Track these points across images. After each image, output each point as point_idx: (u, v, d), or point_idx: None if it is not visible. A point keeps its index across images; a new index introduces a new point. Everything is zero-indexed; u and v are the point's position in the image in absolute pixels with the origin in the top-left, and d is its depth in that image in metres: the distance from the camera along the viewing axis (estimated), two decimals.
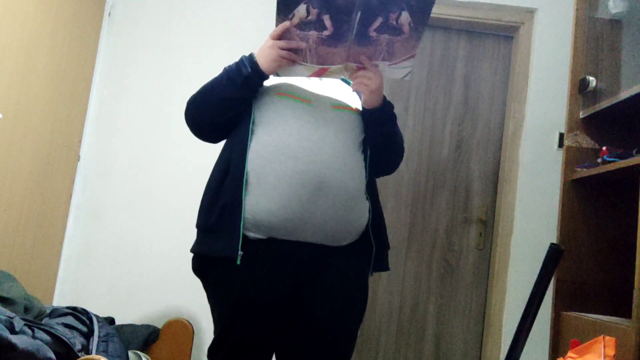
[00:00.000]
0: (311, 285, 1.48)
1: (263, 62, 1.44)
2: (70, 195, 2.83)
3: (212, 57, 2.93)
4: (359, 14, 1.33)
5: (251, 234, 1.42)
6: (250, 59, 1.46)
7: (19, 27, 2.26)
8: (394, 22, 1.36)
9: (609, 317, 1.94)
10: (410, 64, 1.47)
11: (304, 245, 1.43)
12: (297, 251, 1.43)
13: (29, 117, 2.38)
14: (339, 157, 1.44)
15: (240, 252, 1.38)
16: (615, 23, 2.20)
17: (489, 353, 2.88)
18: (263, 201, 1.39)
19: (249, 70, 1.44)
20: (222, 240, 1.41)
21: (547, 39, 2.93)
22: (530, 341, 1.66)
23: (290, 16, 1.37)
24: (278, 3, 1.35)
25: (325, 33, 1.38)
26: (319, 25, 1.36)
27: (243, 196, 1.40)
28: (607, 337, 1.68)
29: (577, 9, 2.31)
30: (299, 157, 1.40)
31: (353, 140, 1.50)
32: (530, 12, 2.99)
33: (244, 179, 1.41)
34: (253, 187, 1.41)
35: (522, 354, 1.63)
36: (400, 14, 1.35)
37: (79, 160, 2.86)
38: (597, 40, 2.24)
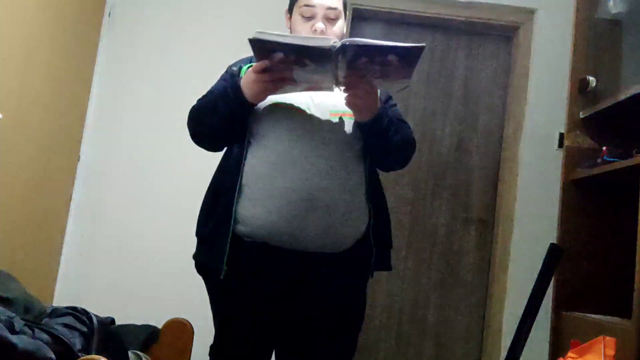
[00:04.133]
0: (306, 289, 1.47)
1: (250, 96, 1.40)
2: (70, 195, 2.83)
3: (212, 57, 2.92)
4: (339, 56, 1.26)
5: (246, 239, 1.44)
6: (235, 88, 1.41)
7: (19, 27, 2.26)
8: (382, 59, 1.28)
9: (609, 317, 1.93)
10: (406, 81, 1.39)
11: (297, 252, 1.43)
12: (290, 256, 1.43)
13: (29, 117, 2.38)
14: (332, 170, 1.42)
15: (225, 268, 1.40)
16: (615, 23, 2.20)
17: (489, 353, 2.87)
18: (253, 214, 1.41)
19: (234, 102, 1.41)
20: (213, 251, 1.43)
21: (547, 39, 2.93)
22: (530, 341, 1.66)
23: (270, 57, 1.30)
24: (253, 53, 1.31)
25: (309, 68, 1.31)
26: (301, 63, 1.30)
27: (234, 208, 1.41)
28: (607, 337, 1.68)
29: (577, 9, 2.31)
30: (288, 174, 1.39)
31: (350, 147, 1.47)
32: (530, 12, 2.98)
33: (236, 193, 1.42)
34: (246, 201, 1.42)
35: (522, 354, 1.63)
36: (386, 56, 1.26)
37: (79, 160, 2.86)
38: (597, 40, 2.24)
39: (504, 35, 3.12)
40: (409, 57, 1.27)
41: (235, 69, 1.54)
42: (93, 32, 2.87)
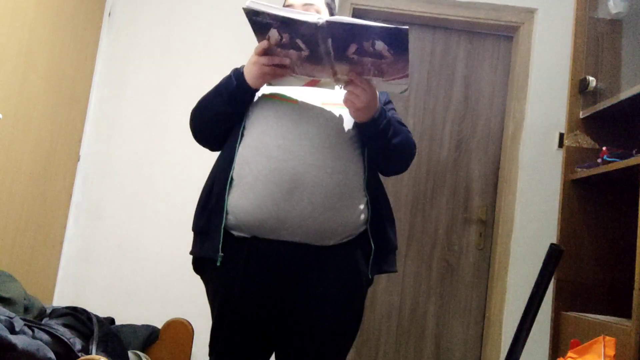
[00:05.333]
0: (300, 286, 1.47)
1: (249, 78, 1.45)
2: (70, 195, 2.83)
3: (211, 56, 2.93)
4: (329, 40, 1.29)
5: (236, 233, 1.44)
6: (238, 74, 1.47)
7: (19, 27, 2.26)
8: (371, 49, 1.29)
9: (609, 317, 1.94)
10: (405, 82, 1.40)
11: (287, 244, 1.42)
12: (280, 250, 1.43)
13: (29, 117, 2.38)
14: (318, 153, 1.41)
15: (220, 254, 1.41)
16: (615, 23, 2.20)
17: (489, 353, 2.88)
18: (241, 202, 1.41)
19: (235, 86, 1.46)
20: (208, 241, 1.44)
21: (547, 39, 2.93)
22: (530, 341, 1.66)
23: (267, 37, 1.36)
24: (251, 26, 1.36)
25: (304, 53, 1.36)
26: (295, 46, 1.35)
27: (226, 198, 1.42)
28: (607, 337, 1.68)
29: (577, 9, 2.31)
30: (273, 156, 1.41)
31: (341, 136, 1.46)
32: (530, 12, 2.98)
33: (228, 182, 1.43)
34: (235, 189, 1.43)
35: (522, 354, 1.63)
36: (374, 43, 1.28)
37: (79, 160, 2.86)
38: (597, 40, 2.24)
39: (504, 35, 3.12)
40: (396, 44, 1.27)
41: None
42: (93, 32, 2.87)
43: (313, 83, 1.49)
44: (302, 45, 1.33)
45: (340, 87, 1.45)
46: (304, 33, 1.30)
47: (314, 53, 1.35)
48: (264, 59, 1.41)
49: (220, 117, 1.51)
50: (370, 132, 1.46)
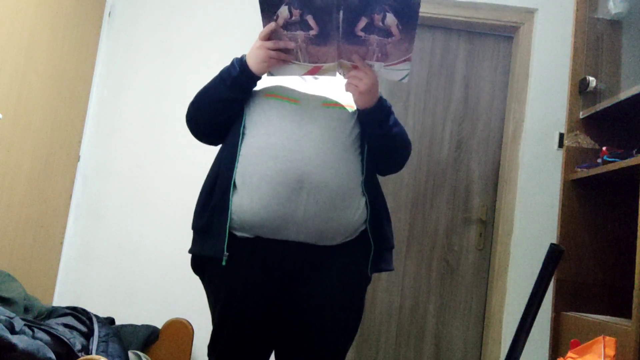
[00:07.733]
0: (302, 285, 1.47)
1: (252, 63, 1.44)
2: (70, 195, 2.83)
3: (211, 57, 2.93)
4: (341, 13, 1.31)
5: (239, 233, 1.44)
6: (240, 60, 1.47)
7: (19, 27, 2.26)
8: (380, 24, 1.32)
9: (609, 317, 1.94)
10: (407, 67, 1.43)
11: (290, 244, 1.43)
12: (283, 250, 1.43)
13: (29, 117, 2.38)
14: (323, 154, 1.42)
15: (226, 254, 1.41)
16: (615, 23, 2.20)
17: (489, 353, 2.88)
18: (246, 202, 1.41)
19: (238, 71, 1.46)
20: (211, 240, 1.44)
21: (547, 39, 2.93)
22: (530, 341, 1.66)
23: (275, 17, 1.36)
24: (260, 5, 1.35)
25: (312, 33, 1.37)
26: (304, 25, 1.36)
27: (230, 198, 1.42)
28: (607, 337, 1.68)
29: (577, 9, 2.31)
30: (279, 157, 1.41)
31: (343, 137, 1.47)
32: (530, 12, 2.99)
33: (232, 181, 1.43)
34: (239, 189, 1.43)
35: (522, 354, 1.63)
36: (385, 16, 1.31)
37: (79, 160, 2.86)
38: (597, 40, 2.25)
39: (504, 35, 3.12)
40: (407, 17, 1.30)
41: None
42: (93, 32, 2.87)
43: (315, 70, 1.49)
44: (312, 23, 1.34)
45: (343, 75, 1.46)
46: (318, 4, 1.31)
47: (322, 31, 1.36)
48: (269, 43, 1.41)
49: (222, 105, 1.50)
50: (373, 119, 1.48)
